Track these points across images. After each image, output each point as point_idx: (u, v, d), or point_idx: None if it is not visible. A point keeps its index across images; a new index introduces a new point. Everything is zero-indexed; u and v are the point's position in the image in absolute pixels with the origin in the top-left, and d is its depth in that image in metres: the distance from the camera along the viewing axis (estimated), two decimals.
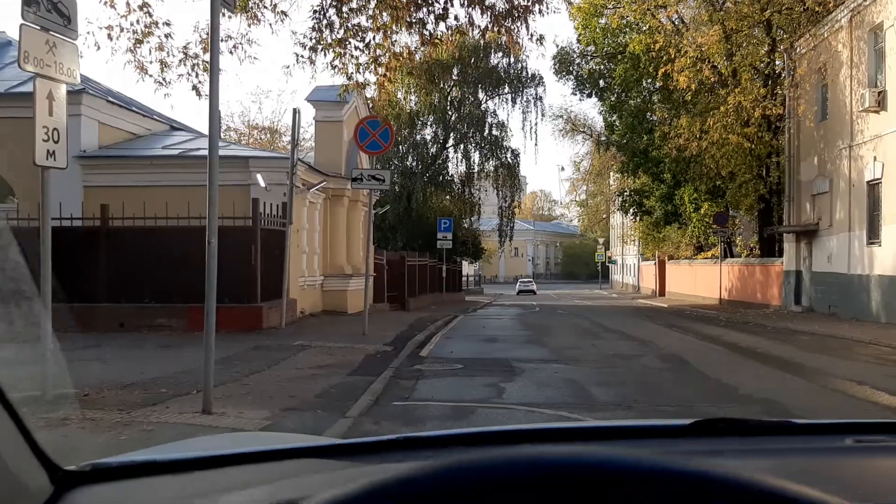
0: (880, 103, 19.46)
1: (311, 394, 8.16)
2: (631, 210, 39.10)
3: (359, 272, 20.36)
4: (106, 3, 11.67)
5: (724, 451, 1.25)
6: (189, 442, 2.08)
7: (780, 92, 25.35)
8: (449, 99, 39.51)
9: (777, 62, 27.03)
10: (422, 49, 13.11)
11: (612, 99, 34.99)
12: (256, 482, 1.07)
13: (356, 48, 12.06)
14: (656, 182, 34.87)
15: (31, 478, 1.10)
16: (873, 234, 20.12)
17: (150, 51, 12.32)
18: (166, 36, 12.24)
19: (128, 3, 11.81)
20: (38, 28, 6.84)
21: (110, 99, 19.61)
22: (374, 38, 11.95)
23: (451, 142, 40.62)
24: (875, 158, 19.95)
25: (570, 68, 36.97)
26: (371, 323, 15.39)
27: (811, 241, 24.31)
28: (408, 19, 11.52)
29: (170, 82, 12.64)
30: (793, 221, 25.64)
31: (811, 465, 1.19)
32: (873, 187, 20.25)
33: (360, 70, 12.31)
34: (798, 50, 24.61)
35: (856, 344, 14.89)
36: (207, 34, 9.69)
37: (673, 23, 30.05)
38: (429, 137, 40.38)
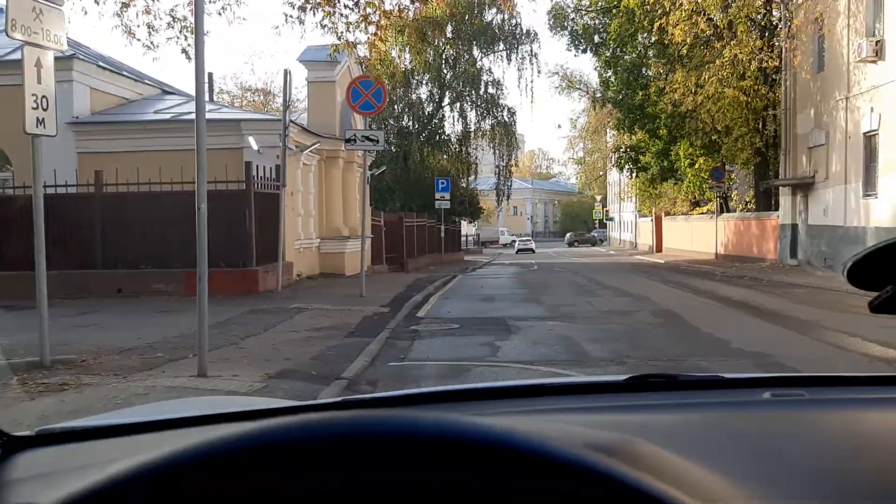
0: (878, 52, 19.29)
1: (307, 356, 8.24)
2: (627, 166, 38.93)
3: (356, 234, 20.36)
4: None
5: (653, 405, 1.30)
6: (169, 403, 2.09)
7: (776, 44, 25.15)
8: (444, 57, 39.14)
9: (773, 13, 26.76)
10: (412, 6, 12.97)
11: (608, 54, 34.56)
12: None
13: (346, 6, 11.95)
14: (652, 138, 34.64)
15: None
16: (869, 187, 20.09)
17: (136, 14, 12.22)
18: None
19: None
20: None
21: (101, 64, 19.42)
22: None
23: (446, 101, 40.31)
24: (872, 109, 19.84)
25: (565, 24, 36.57)
26: (369, 284, 15.46)
27: (807, 195, 24.30)
28: None
29: (158, 46, 12.58)
30: (788, 175, 25.58)
31: (730, 417, 1.24)
32: (870, 139, 20.17)
33: (350, 29, 12.21)
34: (794, 0, 24.34)
35: (850, 297, 14.97)
36: None
37: None
38: (424, 96, 40.06)
